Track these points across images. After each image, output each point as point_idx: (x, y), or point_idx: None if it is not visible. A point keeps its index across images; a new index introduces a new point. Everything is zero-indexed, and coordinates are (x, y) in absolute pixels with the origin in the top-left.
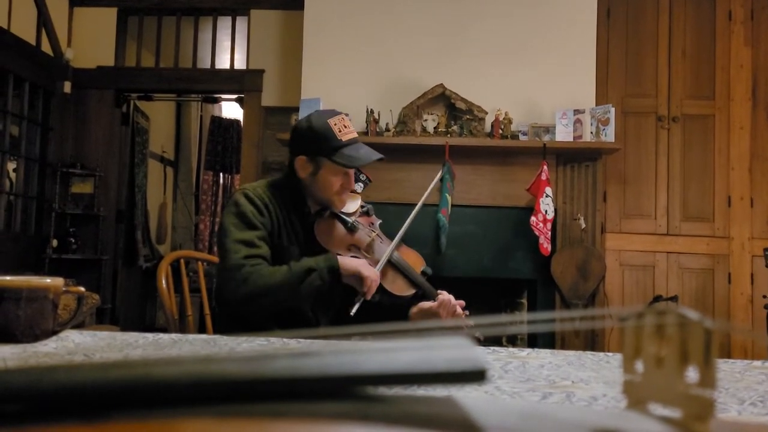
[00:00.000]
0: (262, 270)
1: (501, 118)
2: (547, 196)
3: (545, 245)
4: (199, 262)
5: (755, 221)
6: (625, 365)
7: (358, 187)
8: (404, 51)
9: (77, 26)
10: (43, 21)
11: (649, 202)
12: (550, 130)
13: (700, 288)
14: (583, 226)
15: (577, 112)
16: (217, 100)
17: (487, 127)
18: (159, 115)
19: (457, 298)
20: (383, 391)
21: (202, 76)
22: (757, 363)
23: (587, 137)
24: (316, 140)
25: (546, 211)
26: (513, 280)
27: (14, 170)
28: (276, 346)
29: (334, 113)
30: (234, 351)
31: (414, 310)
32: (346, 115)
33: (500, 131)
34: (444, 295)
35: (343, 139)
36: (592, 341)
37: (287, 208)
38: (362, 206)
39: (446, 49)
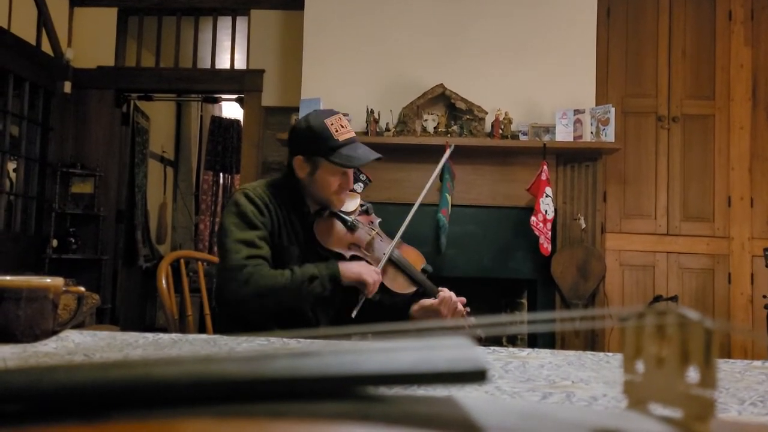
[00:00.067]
0: (264, 272)
1: (501, 118)
2: (547, 196)
3: (545, 245)
4: (199, 262)
5: (755, 221)
6: (626, 365)
7: (358, 186)
8: (404, 51)
9: (77, 26)
10: (44, 21)
11: (649, 202)
12: (550, 130)
13: (700, 288)
14: (583, 226)
15: (577, 112)
16: (217, 100)
17: (487, 127)
18: (159, 115)
19: (457, 296)
20: (383, 391)
21: (202, 76)
22: (757, 363)
23: (587, 137)
24: (313, 140)
25: (546, 211)
26: (513, 280)
27: (14, 170)
28: (276, 346)
29: (331, 113)
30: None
31: (415, 307)
32: (345, 114)
33: (500, 131)
34: (445, 293)
35: (341, 139)
36: (592, 341)
37: (287, 207)
38: (361, 205)
39: (446, 48)
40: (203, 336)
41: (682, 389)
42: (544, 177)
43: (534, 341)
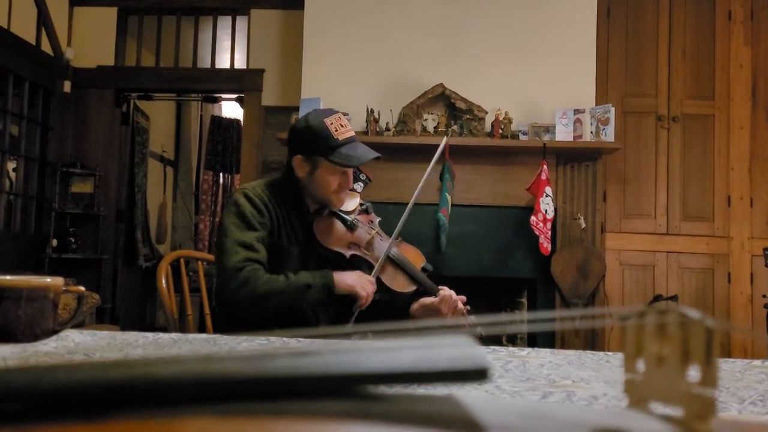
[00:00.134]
0: (260, 275)
1: (501, 118)
2: (547, 195)
3: (545, 245)
4: (199, 262)
5: (755, 221)
6: (627, 364)
7: (359, 186)
8: (404, 51)
9: (77, 26)
10: (43, 20)
11: (649, 201)
12: (550, 129)
13: (700, 287)
14: (583, 225)
15: (577, 111)
16: (217, 100)
17: (487, 127)
18: (159, 115)
19: (457, 295)
20: (384, 389)
21: (202, 76)
22: (757, 362)
23: (587, 137)
24: (313, 139)
25: (546, 211)
26: (513, 280)
27: (14, 170)
28: (276, 346)
29: (331, 112)
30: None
31: (415, 306)
32: (345, 114)
33: (500, 131)
34: (445, 291)
35: (340, 138)
36: (592, 341)
37: (286, 207)
38: (361, 204)
39: (446, 48)
40: (203, 336)
41: (683, 388)
42: (544, 176)
43: (534, 340)
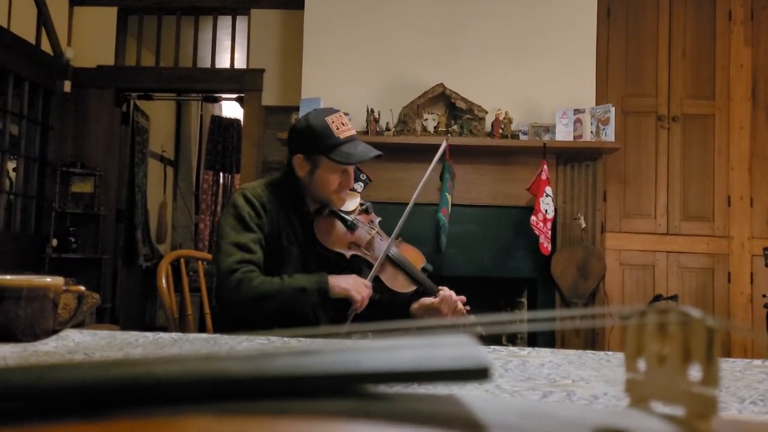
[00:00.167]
0: (254, 277)
1: (501, 118)
2: (547, 195)
3: (545, 245)
4: (199, 262)
5: (755, 221)
6: (628, 363)
7: (359, 186)
8: (404, 50)
9: (77, 25)
10: (43, 20)
11: (649, 201)
12: (550, 129)
13: (700, 287)
14: (583, 225)
15: (577, 111)
16: (217, 100)
17: (488, 127)
18: (159, 115)
19: (457, 295)
20: (385, 389)
21: (203, 76)
22: (758, 362)
23: (587, 137)
24: (313, 138)
25: (546, 211)
26: (513, 280)
27: (14, 169)
28: (277, 345)
29: (332, 111)
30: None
31: (415, 306)
32: (345, 113)
33: (500, 131)
34: (445, 291)
35: (341, 137)
36: (592, 340)
37: (286, 207)
38: (361, 204)
39: (446, 48)
40: (203, 335)
41: (684, 387)
42: (544, 176)
43: (534, 340)
